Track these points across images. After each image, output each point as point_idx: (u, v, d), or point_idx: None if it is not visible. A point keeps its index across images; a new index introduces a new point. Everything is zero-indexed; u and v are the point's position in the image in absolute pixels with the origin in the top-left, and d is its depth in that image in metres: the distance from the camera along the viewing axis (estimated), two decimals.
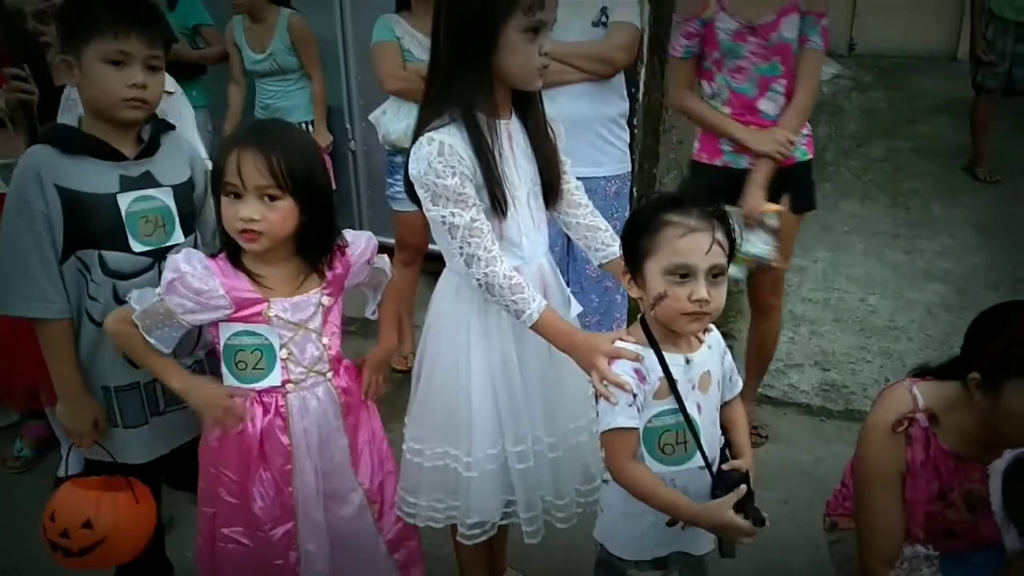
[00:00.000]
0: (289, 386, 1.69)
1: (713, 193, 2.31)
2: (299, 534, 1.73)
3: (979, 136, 5.17)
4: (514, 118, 1.73)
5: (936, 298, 3.80)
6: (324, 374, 1.74)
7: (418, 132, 1.65)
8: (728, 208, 2.48)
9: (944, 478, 1.66)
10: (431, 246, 3.25)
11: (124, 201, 1.70)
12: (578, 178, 1.92)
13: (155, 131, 1.77)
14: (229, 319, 1.64)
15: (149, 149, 1.75)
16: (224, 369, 1.69)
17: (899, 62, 7.33)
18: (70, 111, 2.30)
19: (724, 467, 1.55)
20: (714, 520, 1.47)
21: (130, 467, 1.82)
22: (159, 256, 1.74)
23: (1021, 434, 1.51)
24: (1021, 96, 4.92)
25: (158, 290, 1.61)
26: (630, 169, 2.82)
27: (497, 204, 1.66)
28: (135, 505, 1.77)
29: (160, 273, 1.71)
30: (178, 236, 1.78)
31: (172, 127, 1.85)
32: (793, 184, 2.54)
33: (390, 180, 3.13)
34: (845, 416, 2.98)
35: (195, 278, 1.57)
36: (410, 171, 1.66)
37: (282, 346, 1.67)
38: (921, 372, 1.76)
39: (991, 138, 5.16)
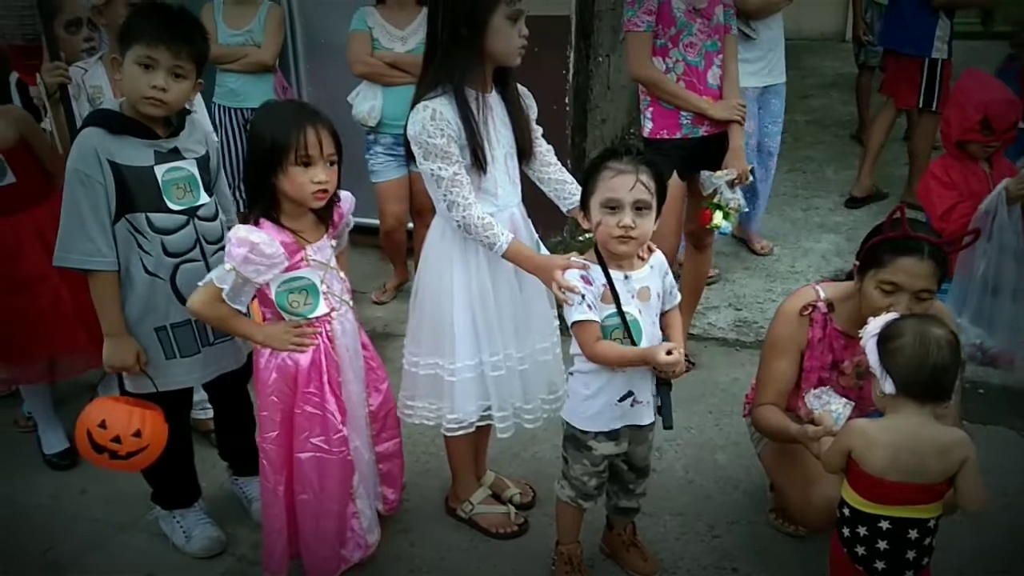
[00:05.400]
0: (334, 313, 2.07)
1: (675, 165, 2.80)
2: (349, 433, 2.11)
3: (863, 108, 5.83)
4: (494, 93, 2.14)
5: (830, 247, 4.39)
6: (348, 303, 2.14)
7: (416, 101, 2.06)
8: (718, 174, 2.99)
9: (837, 352, 2.18)
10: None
11: (160, 172, 2.08)
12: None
13: (180, 115, 2.14)
14: (283, 270, 1.97)
15: (176, 130, 2.12)
16: (279, 312, 2.02)
17: (794, 44, 7.93)
18: (77, 98, 2.67)
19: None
20: (649, 356, 1.89)
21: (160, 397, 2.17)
22: (191, 214, 2.12)
23: (868, 312, 1.99)
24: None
25: (227, 266, 1.90)
26: None
27: (478, 161, 2.07)
28: (164, 422, 2.13)
29: (195, 228, 2.11)
30: (204, 198, 2.16)
31: (190, 112, 2.22)
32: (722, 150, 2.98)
33: (367, 156, 3.54)
34: (755, 345, 3.50)
35: (266, 245, 1.90)
36: (408, 131, 2.07)
37: (321, 282, 2.04)
38: (821, 280, 2.29)
39: (873, 109, 5.82)
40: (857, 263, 2.10)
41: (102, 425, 2.05)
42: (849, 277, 2.20)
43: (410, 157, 2.13)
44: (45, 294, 2.62)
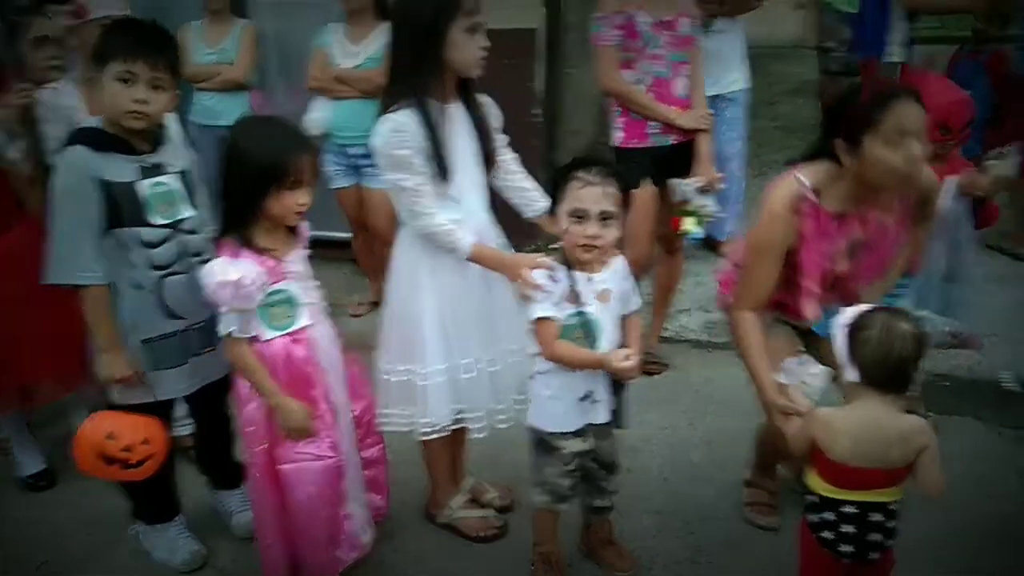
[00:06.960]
0: (312, 322, 2.11)
1: (648, 173, 2.76)
2: (337, 437, 2.14)
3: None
4: (457, 103, 2.19)
5: None
6: (325, 311, 2.17)
7: (381, 113, 2.10)
8: (687, 181, 3.06)
9: (832, 237, 2.11)
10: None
11: (144, 187, 2.11)
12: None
13: (160, 130, 2.18)
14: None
15: (157, 145, 2.16)
16: (261, 327, 2.04)
17: (758, 52, 8.09)
18: (50, 120, 2.67)
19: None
20: (605, 361, 1.98)
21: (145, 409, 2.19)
22: (175, 228, 2.15)
23: (884, 174, 1.97)
24: (858, 76, 5.70)
25: (223, 309, 1.95)
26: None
27: (443, 170, 2.12)
28: (164, 429, 2.17)
29: (180, 241, 2.14)
30: (188, 211, 2.19)
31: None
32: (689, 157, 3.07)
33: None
34: (726, 346, 3.53)
35: (244, 278, 1.93)
36: (373, 143, 2.12)
37: (301, 292, 2.07)
38: (791, 162, 2.18)
39: None
40: (841, 143, 2.00)
41: (110, 437, 2.07)
42: (817, 154, 2.11)
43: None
44: (15, 319, 2.61)
